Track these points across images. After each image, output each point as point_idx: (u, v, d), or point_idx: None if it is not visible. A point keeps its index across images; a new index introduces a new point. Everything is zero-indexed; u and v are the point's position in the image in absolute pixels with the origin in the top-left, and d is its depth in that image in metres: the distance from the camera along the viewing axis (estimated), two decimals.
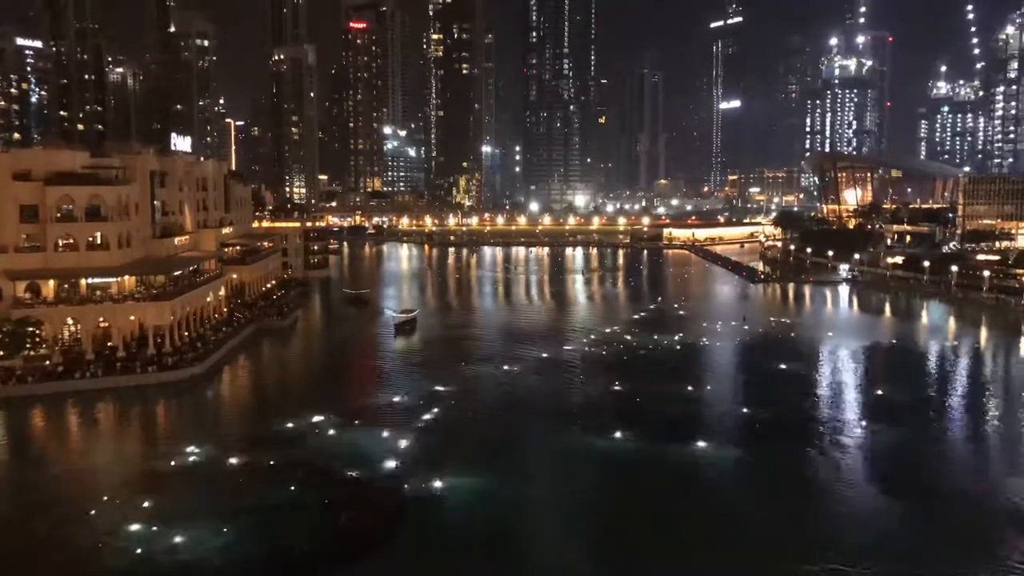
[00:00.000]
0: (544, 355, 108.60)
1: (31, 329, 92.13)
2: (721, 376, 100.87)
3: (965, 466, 69.00)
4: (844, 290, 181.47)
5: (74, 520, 55.84)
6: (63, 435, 79.54)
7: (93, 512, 56.84)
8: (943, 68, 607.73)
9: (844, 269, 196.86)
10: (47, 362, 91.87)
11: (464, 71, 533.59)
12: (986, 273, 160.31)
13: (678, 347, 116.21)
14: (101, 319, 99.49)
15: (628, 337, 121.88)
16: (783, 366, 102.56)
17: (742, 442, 72.31)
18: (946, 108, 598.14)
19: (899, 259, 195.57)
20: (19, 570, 49.06)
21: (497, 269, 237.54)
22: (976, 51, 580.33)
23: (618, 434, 73.27)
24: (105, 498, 59.23)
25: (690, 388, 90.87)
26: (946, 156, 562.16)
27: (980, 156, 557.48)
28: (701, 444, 70.93)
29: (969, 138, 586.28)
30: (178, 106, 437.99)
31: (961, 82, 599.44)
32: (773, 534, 53.89)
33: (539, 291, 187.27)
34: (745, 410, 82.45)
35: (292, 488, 61.28)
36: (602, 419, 78.33)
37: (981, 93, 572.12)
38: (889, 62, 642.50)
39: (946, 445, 74.21)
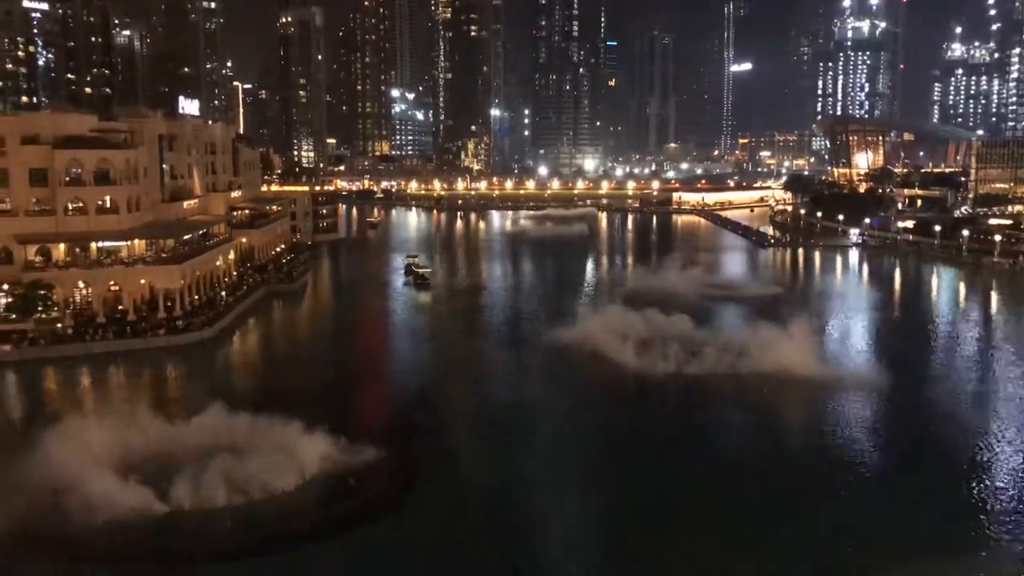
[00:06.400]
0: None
1: (42, 292, 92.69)
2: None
3: None
4: (854, 255, 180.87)
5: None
6: (76, 396, 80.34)
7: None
8: (958, 30, 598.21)
9: (854, 234, 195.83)
10: (58, 325, 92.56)
11: (473, 33, 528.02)
12: (997, 237, 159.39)
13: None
14: (111, 283, 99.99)
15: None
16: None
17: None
18: (960, 71, 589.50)
19: (910, 223, 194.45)
20: None
21: (506, 232, 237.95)
22: (992, 12, 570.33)
23: None
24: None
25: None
26: (959, 119, 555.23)
27: (994, 119, 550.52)
28: None
29: (983, 101, 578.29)
30: (185, 69, 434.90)
31: (976, 44, 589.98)
32: None
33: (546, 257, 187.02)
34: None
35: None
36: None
37: (996, 55, 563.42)
38: (903, 24, 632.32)
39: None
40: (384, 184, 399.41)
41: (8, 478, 51.99)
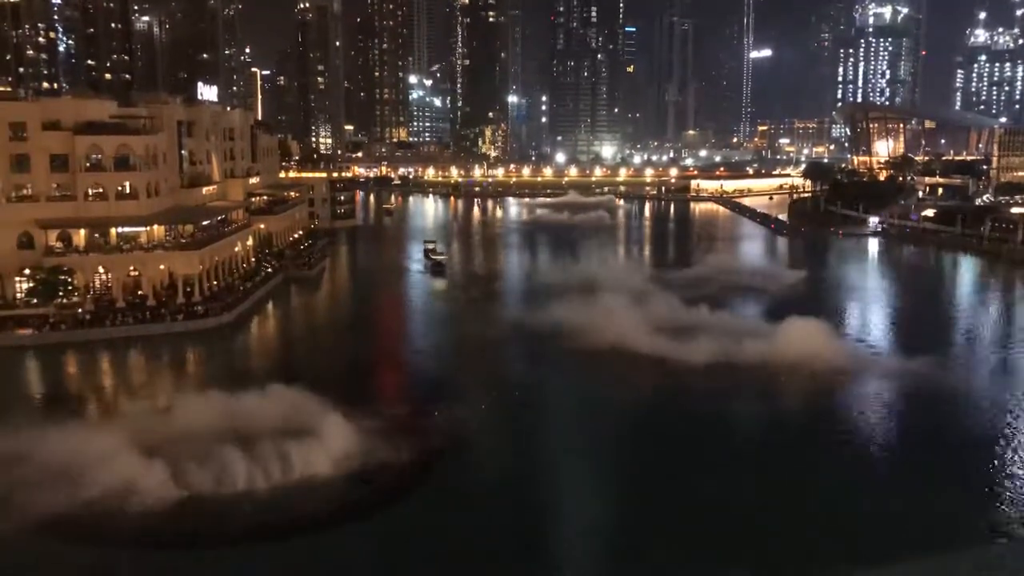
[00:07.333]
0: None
1: (63, 277, 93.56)
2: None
3: None
4: (873, 243, 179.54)
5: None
6: (96, 381, 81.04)
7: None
8: (981, 15, 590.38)
9: (874, 222, 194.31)
10: (79, 310, 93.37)
11: (491, 19, 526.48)
12: (1020, 226, 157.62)
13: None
14: (131, 268, 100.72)
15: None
16: None
17: None
18: (983, 57, 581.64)
19: (930, 212, 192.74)
20: None
21: (523, 220, 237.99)
22: None
23: None
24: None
25: None
26: (982, 107, 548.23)
27: (1017, 107, 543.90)
28: None
29: (1007, 88, 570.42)
30: (204, 55, 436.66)
31: (1000, 30, 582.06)
32: None
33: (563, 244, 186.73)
34: None
35: None
36: None
37: (1020, 41, 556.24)
38: (925, 9, 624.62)
39: None
40: (401, 171, 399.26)
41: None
